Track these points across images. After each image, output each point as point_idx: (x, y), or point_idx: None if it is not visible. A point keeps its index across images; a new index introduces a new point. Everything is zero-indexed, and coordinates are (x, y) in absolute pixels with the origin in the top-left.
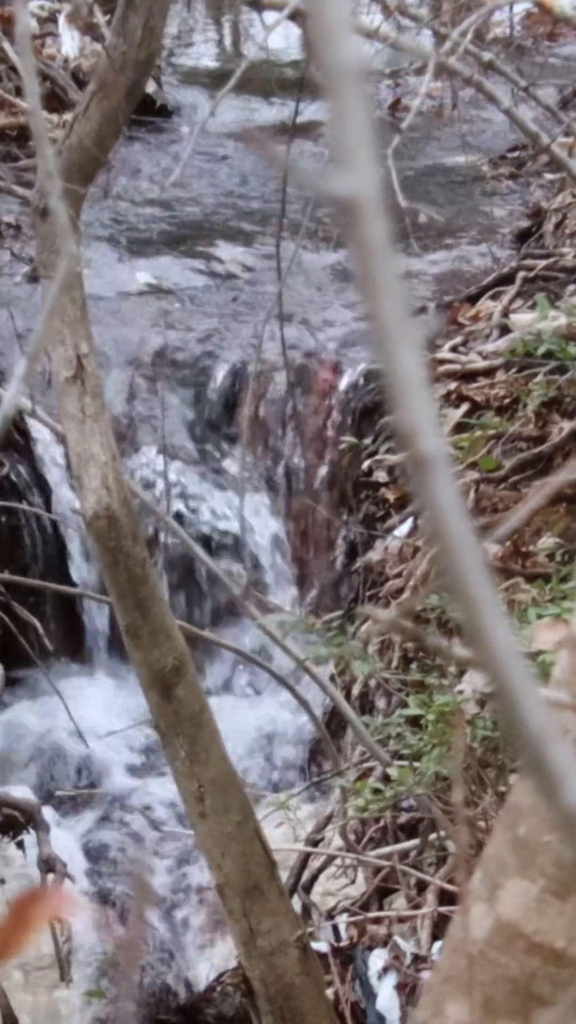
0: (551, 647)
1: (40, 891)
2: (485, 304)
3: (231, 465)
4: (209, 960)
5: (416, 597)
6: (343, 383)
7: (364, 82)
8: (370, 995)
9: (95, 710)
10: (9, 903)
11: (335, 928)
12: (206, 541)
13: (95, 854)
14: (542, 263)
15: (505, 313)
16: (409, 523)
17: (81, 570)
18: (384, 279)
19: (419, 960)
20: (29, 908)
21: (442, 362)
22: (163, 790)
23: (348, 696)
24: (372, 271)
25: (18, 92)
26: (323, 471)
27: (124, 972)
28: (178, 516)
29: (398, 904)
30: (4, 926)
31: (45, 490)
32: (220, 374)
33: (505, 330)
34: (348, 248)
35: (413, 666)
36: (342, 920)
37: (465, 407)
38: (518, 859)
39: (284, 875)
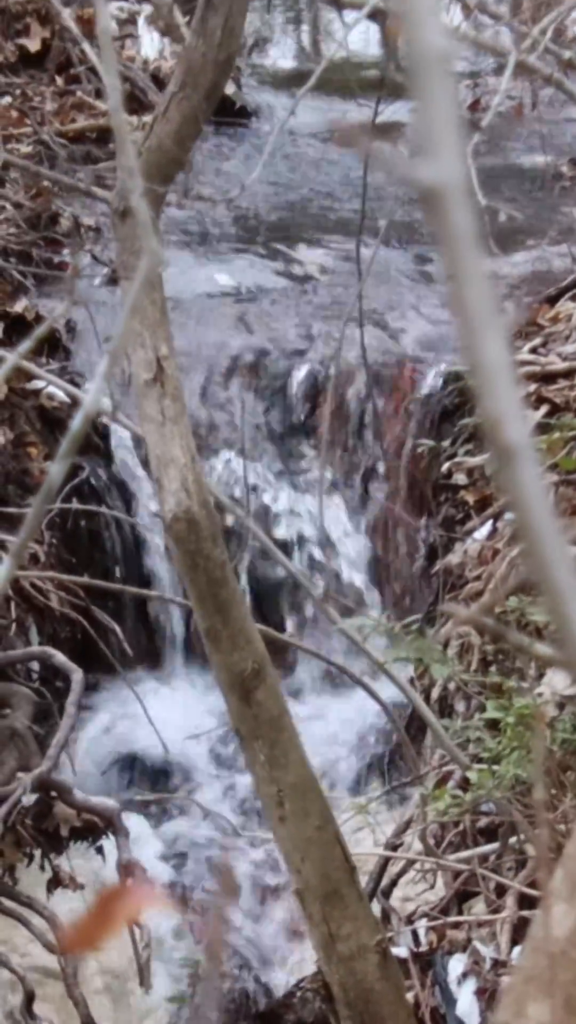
0: None
1: (121, 889)
2: (565, 305)
3: (311, 468)
4: (289, 965)
5: (496, 595)
6: (422, 385)
7: (448, 75)
8: (450, 1000)
9: (174, 714)
10: (91, 903)
11: (415, 933)
12: (285, 544)
13: (174, 859)
14: None
15: None
16: (489, 526)
17: (161, 574)
18: (470, 268)
19: (499, 965)
20: (111, 905)
21: (522, 363)
22: (242, 794)
23: (427, 699)
24: (458, 260)
25: (97, 95)
26: (402, 473)
27: (207, 977)
28: (258, 518)
29: (477, 909)
30: (86, 921)
31: (125, 493)
32: (299, 376)
33: None
34: (433, 237)
35: (492, 669)
36: (421, 925)
37: (545, 409)
38: None
39: (363, 879)
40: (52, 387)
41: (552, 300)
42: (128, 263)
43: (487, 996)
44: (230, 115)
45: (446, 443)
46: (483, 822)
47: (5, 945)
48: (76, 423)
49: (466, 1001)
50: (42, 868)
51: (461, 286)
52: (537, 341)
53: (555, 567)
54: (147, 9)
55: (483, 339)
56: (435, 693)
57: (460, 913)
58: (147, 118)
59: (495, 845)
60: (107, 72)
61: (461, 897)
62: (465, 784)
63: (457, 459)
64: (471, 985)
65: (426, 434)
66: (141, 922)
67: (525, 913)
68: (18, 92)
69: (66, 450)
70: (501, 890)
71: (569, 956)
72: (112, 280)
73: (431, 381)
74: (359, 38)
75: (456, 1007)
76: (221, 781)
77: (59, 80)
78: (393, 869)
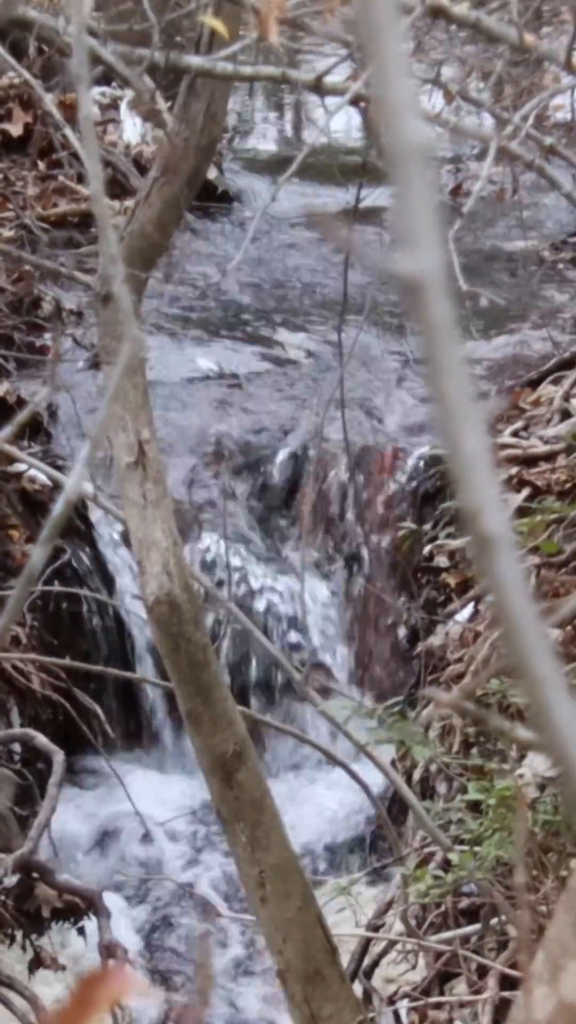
0: None
1: (102, 972)
2: (546, 389)
3: (292, 550)
4: None
5: (477, 679)
6: (404, 468)
7: (428, 165)
8: None
9: (156, 795)
10: (72, 986)
11: (396, 1014)
12: (267, 625)
13: (156, 940)
14: None
15: (566, 398)
16: (470, 608)
17: (143, 656)
18: (448, 359)
19: None
20: (91, 990)
21: (503, 447)
22: (224, 875)
23: (409, 781)
24: (436, 351)
25: (80, 179)
26: (384, 556)
27: None
28: (240, 601)
29: (459, 990)
30: (67, 1008)
31: (107, 576)
32: (281, 459)
33: (566, 415)
34: (412, 328)
35: (474, 751)
36: (403, 1006)
37: (526, 492)
38: None
39: (345, 960)
40: (34, 470)
41: (534, 384)
42: (110, 347)
43: None
44: (213, 200)
45: (428, 526)
46: (465, 903)
47: None
48: (57, 508)
49: None
50: (23, 949)
51: (439, 375)
52: (519, 424)
53: (533, 653)
54: (130, 94)
55: (461, 428)
56: (417, 775)
57: (442, 994)
58: (129, 203)
59: (477, 926)
60: (88, 158)
61: (443, 978)
62: (447, 865)
63: (439, 542)
64: None
65: (408, 517)
66: (123, 1004)
67: (507, 994)
68: (0, 177)
69: (48, 534)
70: (483, 971)
71: None
72: (94, 364)
73: (413, 464)
74: (341, 124)
75: None
76: (203, 861)
77: (41, 165)
78: (375, 950)
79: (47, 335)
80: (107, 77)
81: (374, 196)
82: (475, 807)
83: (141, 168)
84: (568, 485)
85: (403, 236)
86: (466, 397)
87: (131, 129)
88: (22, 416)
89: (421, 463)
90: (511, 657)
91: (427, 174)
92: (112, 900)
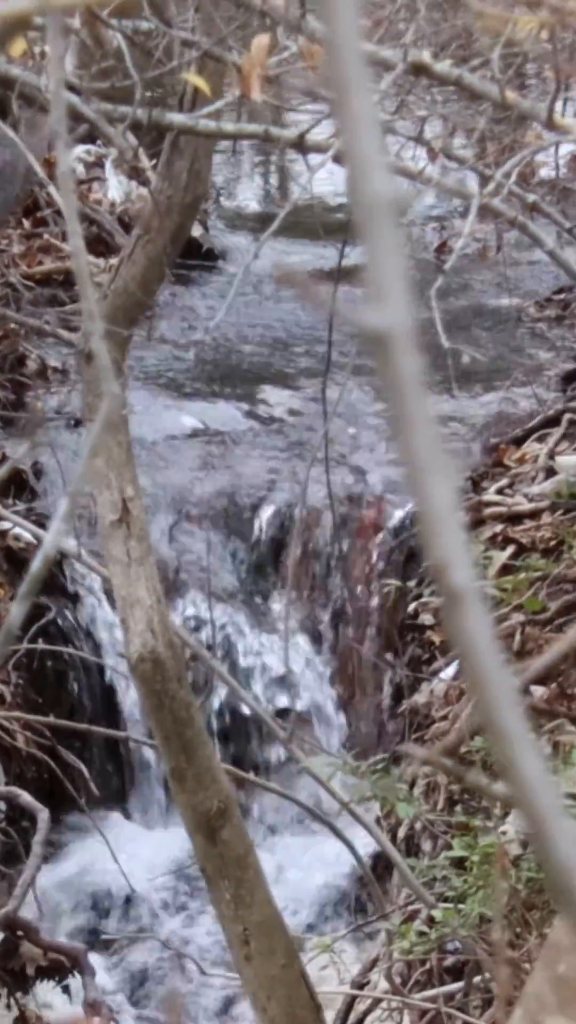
0: None
1: None
2: (531, 446)
3: (277, 608)
4: None
5: (456, 736)
6: (388, 525)
7: (398, 218)
8: None
9: (141, 853)
10: None
11: None
12: (251, 683)
13: (140, 998)
14: None
15: (551, 455)
16: (455, 666)
17: (128, 713)
18: (415, 413)
19: None
20: None
21: (488, 504)
22: (208, 933)
23: (394, 838)
24: (403, 405)
25: (64, 237)
26: (369, 613)
27: None
28: (224, 659)
29: None
30: None
31: (91, 634)
32: (266, 517)
33: (551, 472)
34: (380, 382)
35: (458, 808)
36: None
37: (511, 549)
38: (558, 997)
39: (330, 1018)
40: (18, 528)
41: (518, 441)
42: (94, 405)
43: None
44: (197, 257)
45: (412, 583)
46: (449, 960)
47: None
48: (36, 564)
49: None
50: (8, 1007)
51: (407, 431)
52: (504, 482)
53: (501, 708)
54: (114, 152)
55: (429, 484)
56: (401, 832)
57: None
58: (114, 261)
59: (461, 984)
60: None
61: None
62: (431, 922)
63: (423, 599)
64: None
65: (392, 574)
66: None
67: None
68: None
69: (27, 591)
70: None
71: None
72: (78, 422)
73: (397, 521)
74: (325, 181)
75: None
76: (187, 919)
77: (26, 223)
78: (360, 1007)
79: (31, 393)
80: (92, 135)
81: (358, 254)
82: (460, 864)
83: (126, 226)
84: (553, 543)
85: (371, 290)
86: (434, 452)
87: (116, 187)
88: (1, 473)
89: (406, 520)
90: (480, 711)
91: (395, 228)
92: (96, 958)
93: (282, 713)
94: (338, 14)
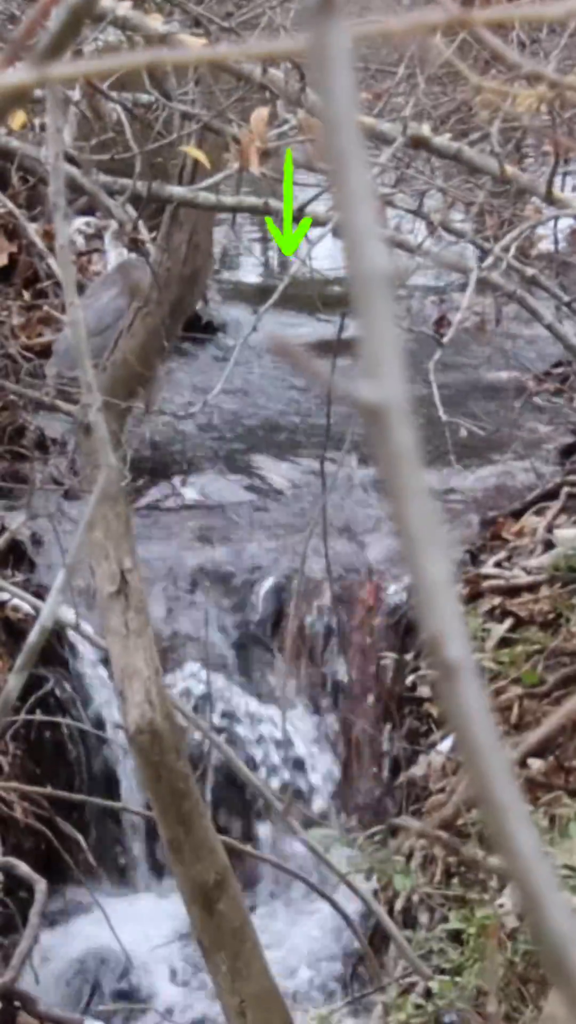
0: None
1: None
2: (529, 519)
3: (275, 680)
4: None
5: (452, 809)
6: (387, 597)
7: (395, 291)
8: None
9: (139, 923)
10: None
11: None
12: (249, 755)
13: None
14: None
15: (549, 528)
16: (452, 738)
17: (126, 785)
18: (411, 486)
19: None
20: None
21: (486, 577)
22: (205, 1005)
23: (391, 910)
24: (398, 478)
25: (64, 308)
26: (367, 686)
27: None
28: (221, 730)
29: None
30: None
31: (89, 705)
32: (264, 589)
33: (549, 545)
34: (376, 456)
35: (455, 881)
36: None
37: (509, 622)
38: None
39: None
40: (16, 599)
41: (517, 514)
42: (92, 476)
43: None
44: (197, 330)
45: (410, 656)
46: None
47: None
48: (33, 635)
49: None
50: None
51: (402, 504)
52: (502, 555)
53: (494, 780)
54: (114, 224)
55: (424, 557)
56: (399, 904)
57: None
58: None
59: None
60: (65, 284)
61: None
62: (428, 995)
63: (421, 672)
64: None
65: (391, 646)
66: None
67: None
68: None
69: (24, 661)
70: None
71: None
72: (71, 494)
73: (396, 594)
74: (325, 254)
75: None
76: (184, 991)
77: (26, 294)
78: None
79: (30, 464)
80: (92, 207)
81: (356, 327)
82: (457, 936)
83: None
84: (551, 616)
85: (366, 364)
86: (430, 525)
87: (115, 259)
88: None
89: (405, 593)
90: (473, 785)
91: (391, 301)
92: None
93: (279, 785)
94: (336, 87)
